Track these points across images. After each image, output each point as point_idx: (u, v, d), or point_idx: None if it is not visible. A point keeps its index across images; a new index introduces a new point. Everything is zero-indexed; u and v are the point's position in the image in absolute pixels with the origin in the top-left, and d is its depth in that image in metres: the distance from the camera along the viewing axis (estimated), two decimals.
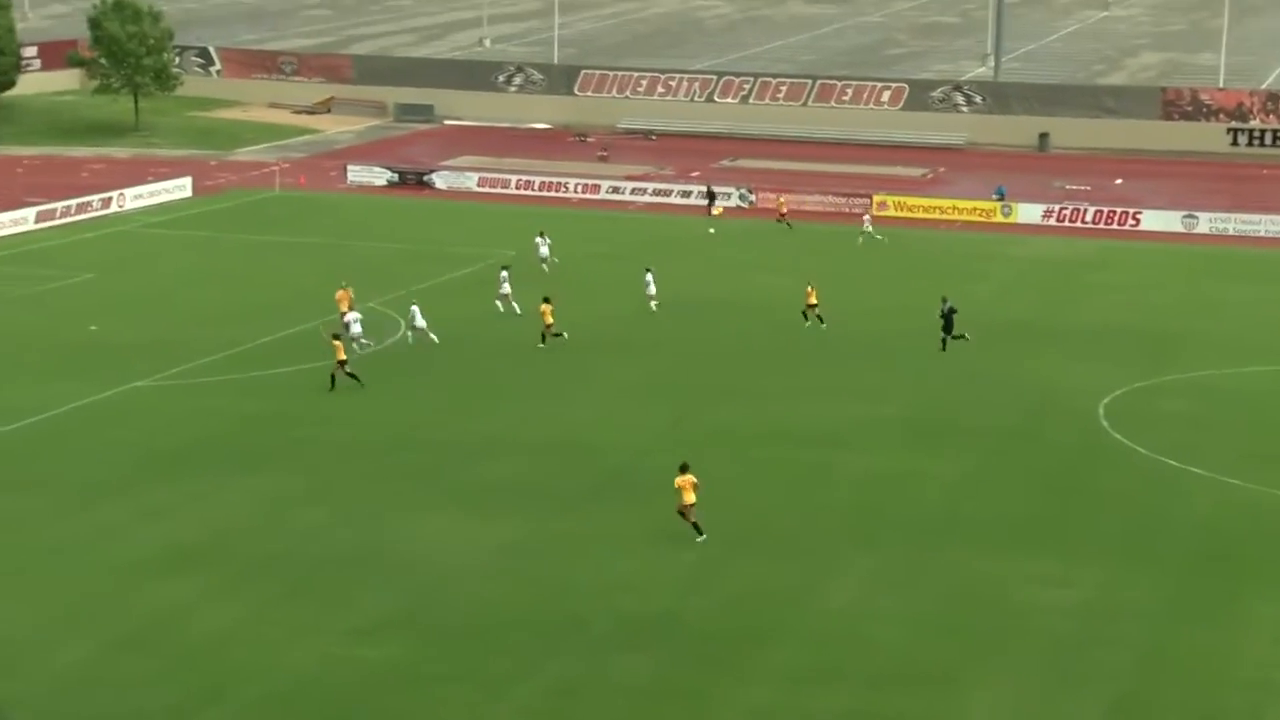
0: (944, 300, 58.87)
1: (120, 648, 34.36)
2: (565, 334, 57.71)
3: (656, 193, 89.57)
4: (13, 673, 33.20)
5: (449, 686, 33.00)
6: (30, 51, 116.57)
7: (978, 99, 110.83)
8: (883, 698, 32.99)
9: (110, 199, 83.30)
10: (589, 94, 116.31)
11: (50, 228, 78.47)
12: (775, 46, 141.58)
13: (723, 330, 61.31)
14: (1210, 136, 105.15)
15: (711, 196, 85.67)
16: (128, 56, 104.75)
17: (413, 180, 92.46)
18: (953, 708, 32.73)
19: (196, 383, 53.44)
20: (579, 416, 50.43)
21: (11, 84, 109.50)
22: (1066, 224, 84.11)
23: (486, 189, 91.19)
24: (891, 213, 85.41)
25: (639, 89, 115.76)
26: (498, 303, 61.89)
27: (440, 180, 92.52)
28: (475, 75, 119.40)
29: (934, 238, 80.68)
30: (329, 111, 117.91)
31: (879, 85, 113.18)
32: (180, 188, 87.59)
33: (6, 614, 35.85)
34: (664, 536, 40.47)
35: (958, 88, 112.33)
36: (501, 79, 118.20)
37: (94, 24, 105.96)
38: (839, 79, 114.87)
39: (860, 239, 77.22)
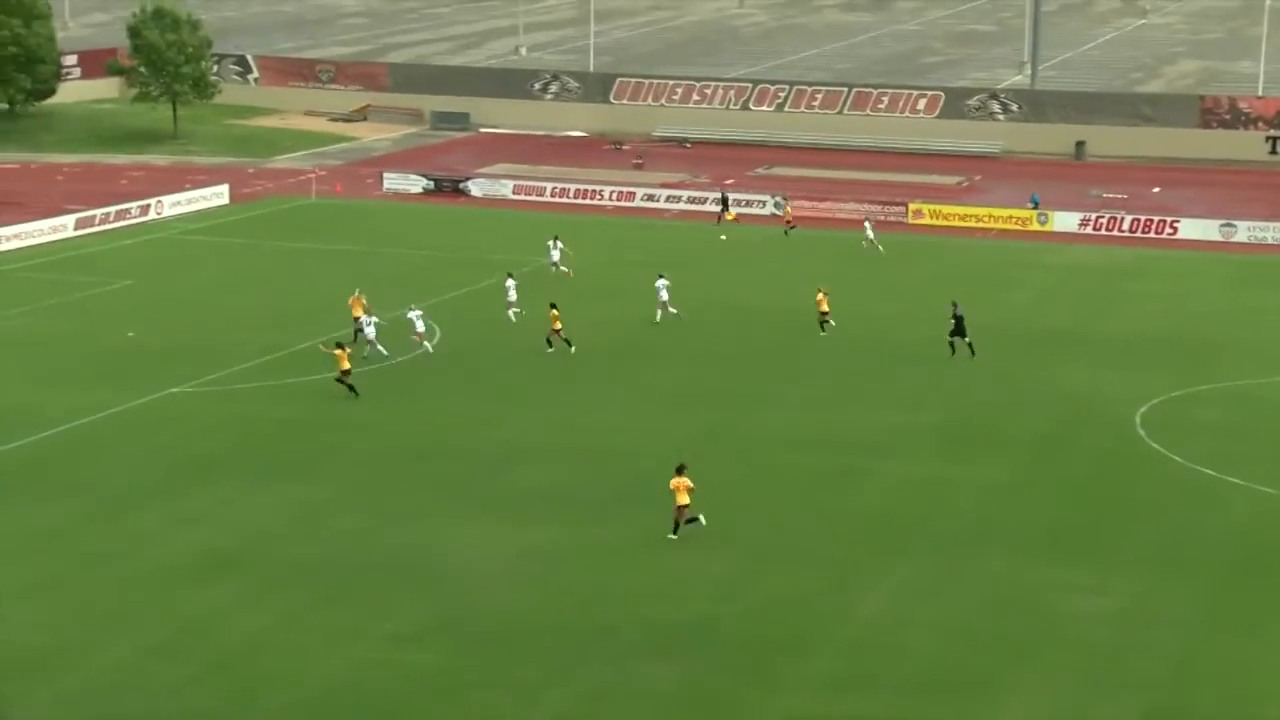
0: (954, 304, 58.66)
1: (154, 653, 34.50)
2: (572, 345, 57.62)
3: (691, 200, 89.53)
4: (47, 678, 33.38)
5: (481, 693, 33.04)
6: (70, 60, 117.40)
7: (1014, 107, 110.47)
8: (915, 706, 32.89)
9: (148, 206, 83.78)
10: (624, 102, 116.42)
11: (89, 234, 78.98)
12: (811, 54, 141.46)
13: (754, 337, 61.24)
14: (1249, 145, 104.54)
15: (724, 203, 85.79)
16: (167, 65, 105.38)
17: (448, 188, 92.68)
18: (986, 716, 32.60)
19: (232, 389, 53.67)
20: (609, 423, 50.46)
21: (52, 92, 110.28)
22: (1103, 232, 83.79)
23: (522, 196, 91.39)
24: (927, 220, 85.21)
25: (674, 97, 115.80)
26: (510, 314, 61.78)
27: (476, 188, 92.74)
28: (511, 83, 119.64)
29: (970, 246, 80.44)
30: (365, 119, 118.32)
31: (914, 93, 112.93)
32: (217, 195, 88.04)
33: (43, 620, 36.04)
34: (695, 543, 40.44)
35: (994, 96, 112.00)
36: (537, 87, 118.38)
37: (133, 32, 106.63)
38: (874, 87, 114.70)
39: (864, 244, 77.00)
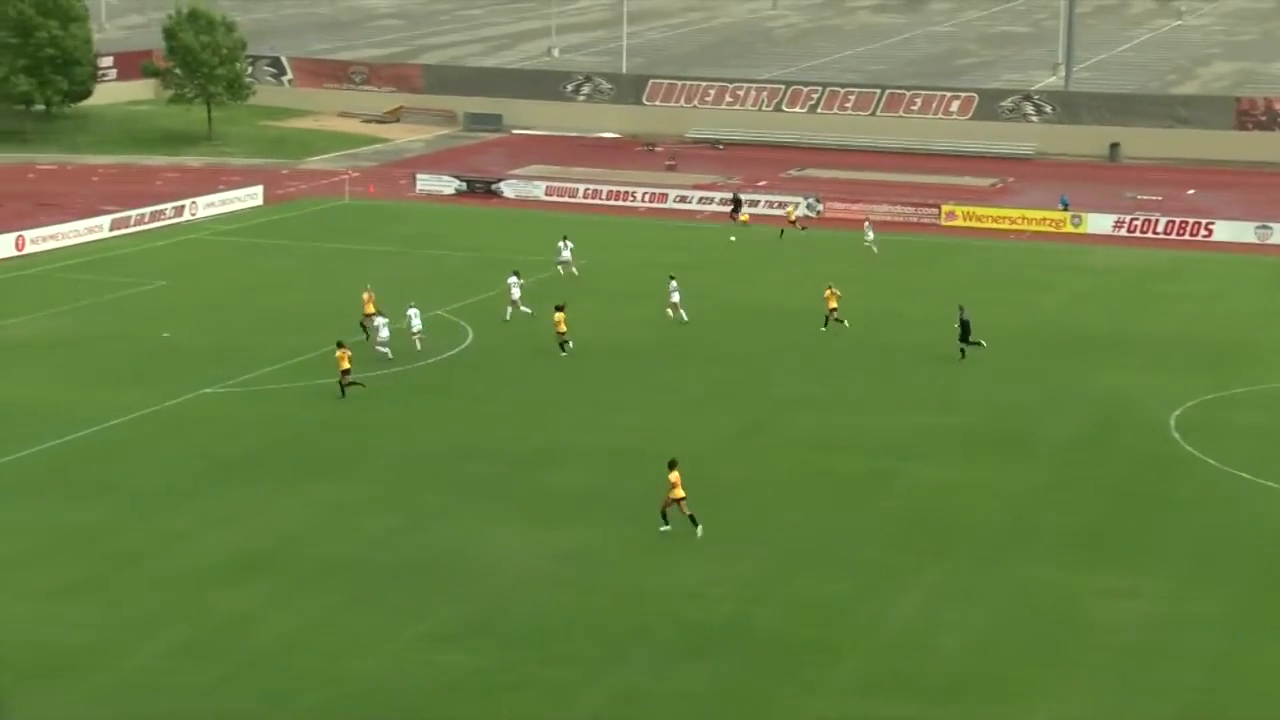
0: (961, 309, 58.43)
1: (185, 653, 34.57)
2: (571, 344, 57.70)
3: (723, 202, 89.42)
4: (80, 677, 33.49)
5: (514, 694, 33.03)
6: (106, 62, 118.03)
7: (1048, 109, 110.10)
8: (948, 709, 32.75)
9: (183, 207, 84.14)
10: (657, 103, 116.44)
11: (124, 235, 79.35)
12: (844, 56, 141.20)
13: (784, 338, 61.14)
14: None
15: (737, 204, 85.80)
16: (201, 66, 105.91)
17: (481, 189, 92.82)
18: None
19: (264, 389, 53.84)
20: (640, 423, 50.43)
21: (88, 94, 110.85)
22: (1138, 234, 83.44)
23: (554, 198, 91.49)
24: (960, 223, 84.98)
25: (707, 98, 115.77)
26: (517, 310, 62.20)
27: (508, 189, 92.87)
28: (544, 85, 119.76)
29: (1003, 248, 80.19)
30: (398, 121, 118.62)
31: (948, 95, 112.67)
32: (251, 196, 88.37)
33: (76, 619, 36.17)
34: (728, 544, 40.40)
35: (1027, 97, 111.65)
36: (570, 88, 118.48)
37: (169, 34, 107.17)
38: (908, 89, 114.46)
39: (865, 245, 76.80)
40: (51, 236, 76.80)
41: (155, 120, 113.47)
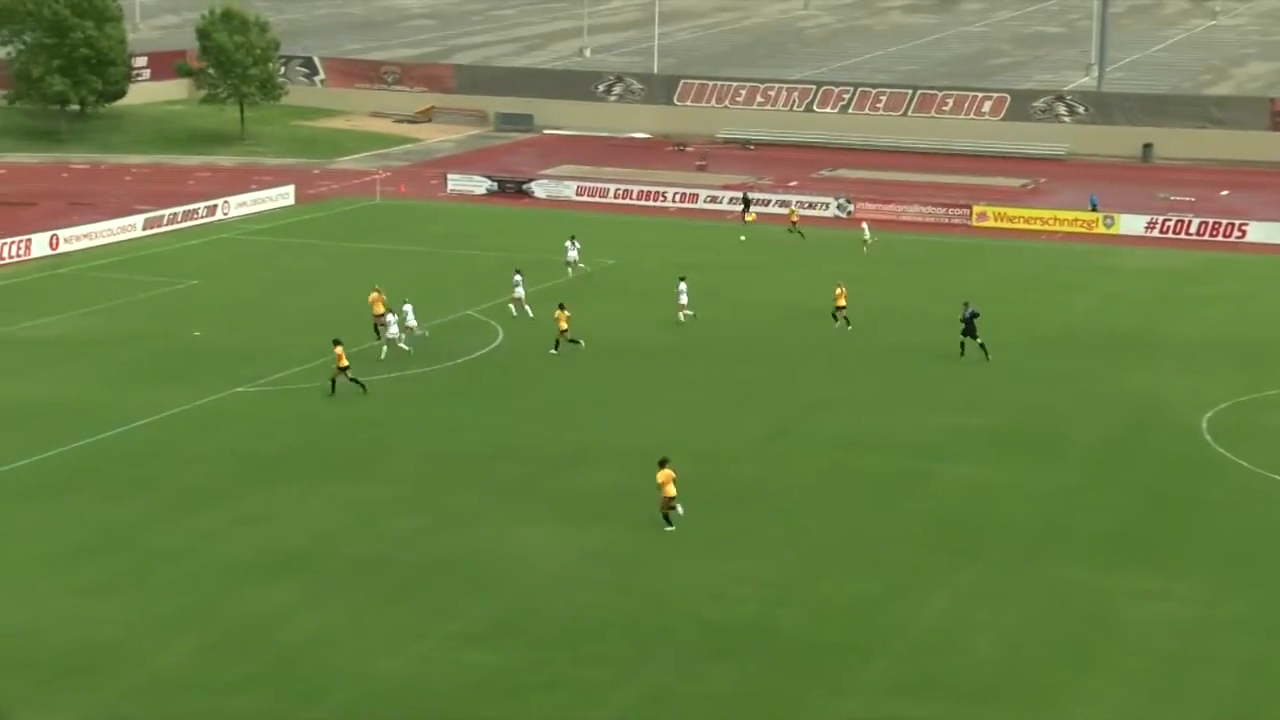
0: (965, 305, 58.17)
1: (217, 650, 34.69)
2: (582, 343, 57.88)
3: (754, 203, 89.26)
4: (113, 675, 33.64)
5: (543, 694, 33.05)
6: (140, 62, 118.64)
7: (1080, 109, 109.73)
8: (979, 711, 32.65)
9: (215, 206, 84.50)
10: (688, 104, 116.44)
11: (157, 234, 79.73)
12: (875, 56, 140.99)
13: (811, 338, 61.08)
14: None
15: (747, 203, 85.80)
16: (235, 66, 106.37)
17: (512, 189, 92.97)
18: None
19: (296, 388, 54.00)
20: (669, 424, 50.38)
21: (122, 94, 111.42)
22: (1170, 235, 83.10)
23: (585, 198, 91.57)
24: (991, 223, 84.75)
25: (738, 99, 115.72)
26: (517, 307, 62.71)
27: (539, 189, 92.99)
28: (575, 85, 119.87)
29: (1034, 249, 79.94)
30: (430, 121, 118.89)
31: (980, 95, 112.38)
32: (283, 196, 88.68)
33: (108, 616, 36.33)
34: (756, 545, 40.38)
35: (1060, 98, 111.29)
36: (601, 88, 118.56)
37: (202, 34, 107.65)
38: (939, 89, 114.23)
39: (864, 246, 76.63)
40: (85, 236, 77.21)
41: (188, 120, 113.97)
